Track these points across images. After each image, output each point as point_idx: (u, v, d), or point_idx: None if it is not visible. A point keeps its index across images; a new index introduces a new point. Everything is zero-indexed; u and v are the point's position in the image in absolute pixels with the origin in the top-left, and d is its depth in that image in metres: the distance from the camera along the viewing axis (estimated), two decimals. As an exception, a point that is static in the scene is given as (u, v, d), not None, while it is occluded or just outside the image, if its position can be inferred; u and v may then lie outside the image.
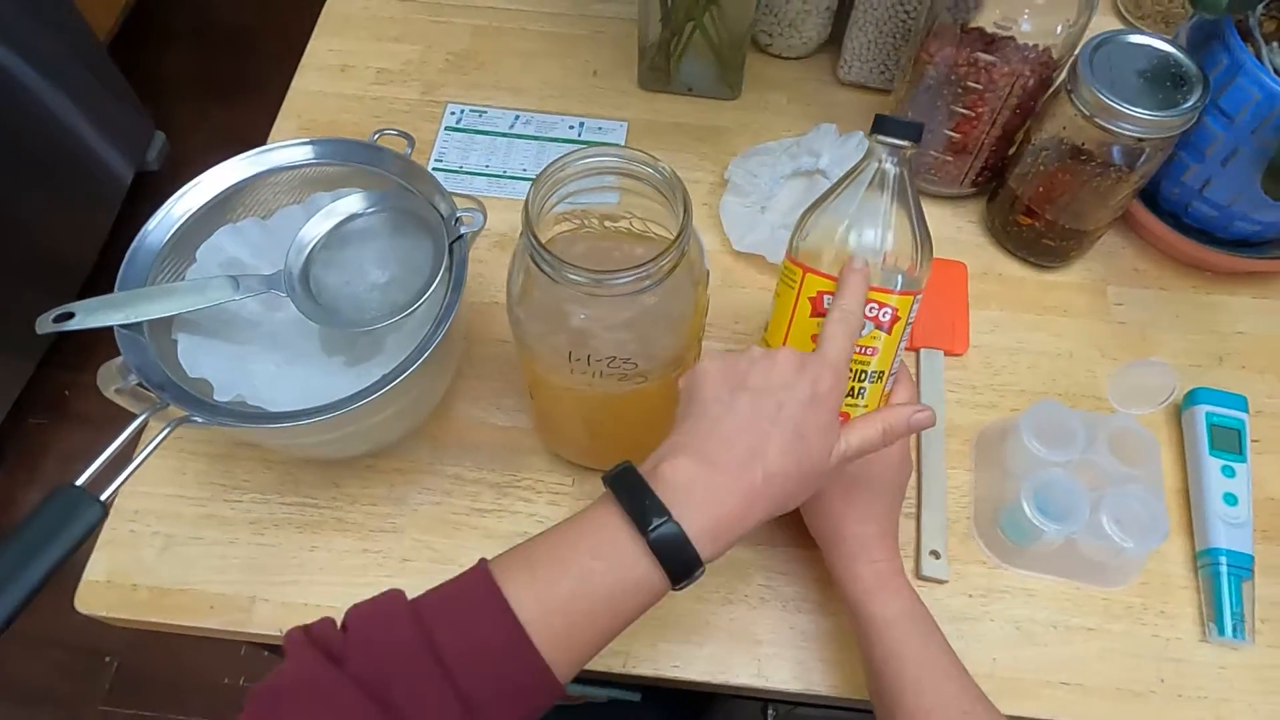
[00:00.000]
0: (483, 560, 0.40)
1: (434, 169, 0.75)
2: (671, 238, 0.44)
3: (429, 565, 0.58)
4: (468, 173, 0.75)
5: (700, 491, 0.40)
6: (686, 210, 0.44)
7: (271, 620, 0.56)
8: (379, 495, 0.60)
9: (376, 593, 0.52)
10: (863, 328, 0.48)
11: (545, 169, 0.44)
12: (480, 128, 0.78)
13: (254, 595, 0.57)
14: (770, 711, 0.85)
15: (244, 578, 0.57)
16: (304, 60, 0.81)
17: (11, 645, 1.39)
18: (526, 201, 0.44)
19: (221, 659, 1.39)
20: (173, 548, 0.58)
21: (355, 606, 0.38)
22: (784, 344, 0.51)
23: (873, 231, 0.47)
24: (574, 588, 0.38)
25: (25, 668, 1.39)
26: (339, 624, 0.38)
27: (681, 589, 0.40)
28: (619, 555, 0.38)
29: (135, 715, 1.36)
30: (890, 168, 0.47)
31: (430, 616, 0.37)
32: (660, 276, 0.44)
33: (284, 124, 0.77)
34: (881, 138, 0.47)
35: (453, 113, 0.79)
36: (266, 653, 0.79)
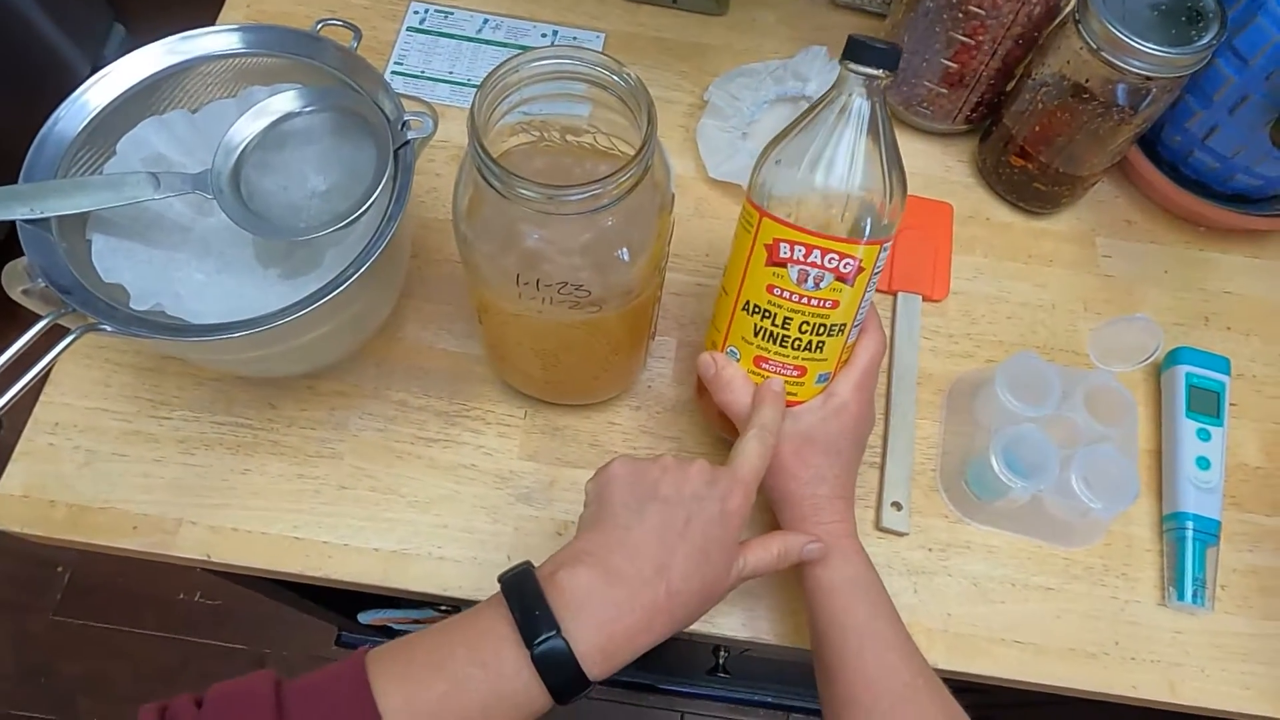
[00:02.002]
0: (363, 649, 0.38)
1: (393, 73, 0.70)
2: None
3: (368, 494, 0.55)
4: (429, 79, 0.70)
5: (597, 605, 0.38)
6: (651, 122, 0.40)
7: (199, 544, 0.53)
8: (318, 419, 0.57)
9: (304, 525, 0.50)
10: (821, 280, 0.45)
11: (495, 70, 0.40)
12: (445, 30, 0.72)
13: (180, 517, 0.54)
14: (722, 652, 0.85)
15: (170, 498, 0.54)
16: (256, -56, 0.74)
17: (-40, 554, 1.37)
18: (472, 107, 0.39)
19: (175, 573, 1.35)
20: (95, 464, 0.55)
21: (219, 685, 0.36)
22: (739, 290, 0.47)
23: (840, 172, 0.43)
24: (447, 691, 0.36)
25: (-26, 576, 1.37)
26: (198, 702, 0.35)
27: (567, 704, 0.38)
28: (499, 664, 0.36)
29: (86, 626, 1.35)
30: (861, 100, 0.43)
31: (293, 706, 0.35)
32: (619, 195, 0.40)
33: (230, 13, 0.71)
34: (854, 65, 0.42)
35: (416, 12, 0.73)
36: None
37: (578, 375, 0.53)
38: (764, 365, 0.48)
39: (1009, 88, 0.65)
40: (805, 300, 0.46)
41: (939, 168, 0.70)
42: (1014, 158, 0.65)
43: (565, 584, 0.38)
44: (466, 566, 0.54)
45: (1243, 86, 0.57)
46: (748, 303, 0.47)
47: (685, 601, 0.40)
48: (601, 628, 0.38)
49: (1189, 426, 0.58)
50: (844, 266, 0.45)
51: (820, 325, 0.47)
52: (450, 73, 0.70)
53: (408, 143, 0.48)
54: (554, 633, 0.36)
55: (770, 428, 0.46)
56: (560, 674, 0.37)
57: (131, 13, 1.72)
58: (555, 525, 0.55)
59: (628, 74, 0.41)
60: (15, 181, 0.46)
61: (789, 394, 0.49)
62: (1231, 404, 0.61)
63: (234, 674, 0.36)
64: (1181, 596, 0.54)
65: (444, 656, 0.37)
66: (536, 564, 0.41)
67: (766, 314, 0.47)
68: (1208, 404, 0.59)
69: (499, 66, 0.40)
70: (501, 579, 0.39)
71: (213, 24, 0.69)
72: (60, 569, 1.39)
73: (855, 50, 0.42)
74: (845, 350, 0.49)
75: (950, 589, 0.55)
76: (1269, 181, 0.63)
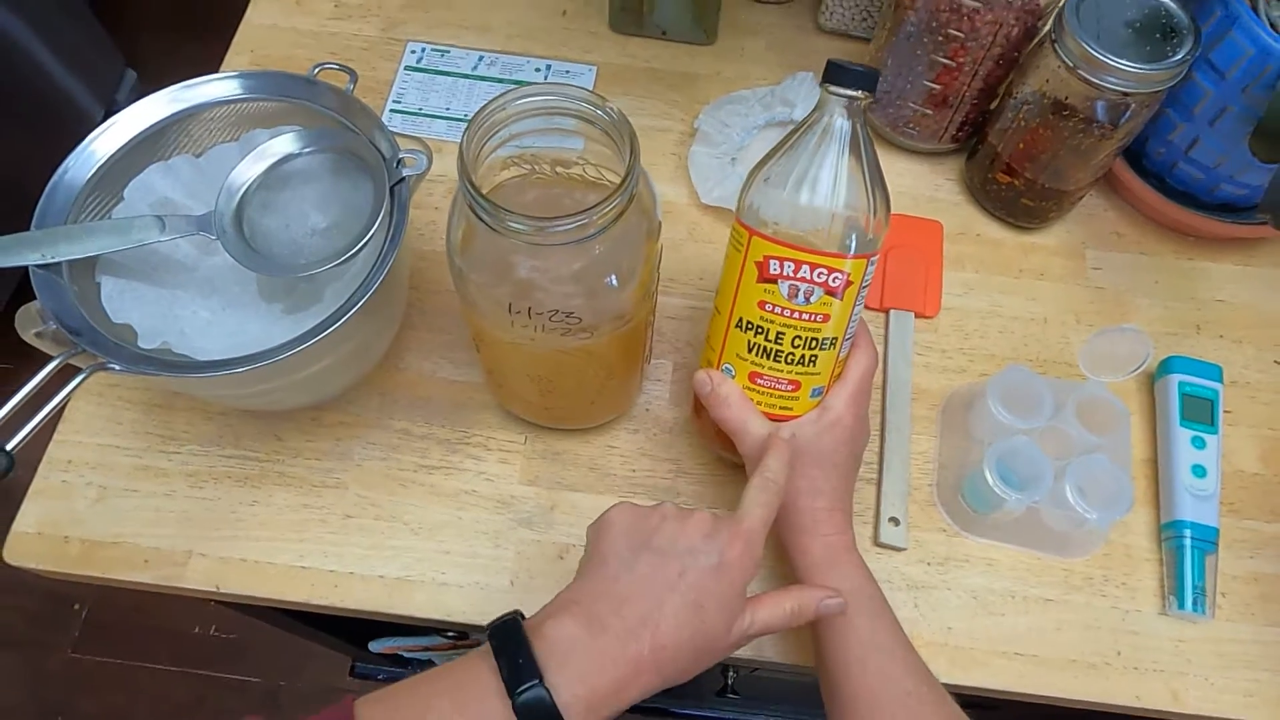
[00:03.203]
0: (349, 699, 0.38)
1: (392, 111, 0.72)
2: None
3: (372, 523, 0.56)
4: (427, 115, 0.72)
5: (580, 657, 0.37)
6: (634, 152, 0.41)
7: (209, 576, 0.54)
8: (323, 449, 0.58)
9: (310, 554, 0.51)
10: (811, 295, 0.46)
11: (482, 109, 0.41)
12: (442, 68, 0.74)
13: (190, 550, 0.55)
14: (730, 673, 0.85)
15: (180, 531, 0.55)
16: (258, -9, 0.77)
17: (-20, 592, 1.39)
18: (461, 145, 0.41)
19: (191, 608, 1.38)
20: (107, 499, 0.56)
21: None
22: (732, 308, 0.48)
23: (825, 190, 0.44)
24: None
25: (-7, 614, 1.38)
26: None
27: None
28: (482, 713, 0.36)
29: (104, 663, 1.36)
30: (842, 121, 0.44)
31: None
32: (606, 223, 0.41)
33: (234, 59, 0.73)
34: (834, 88, 0.44)
35: (413, 51, 0.75)
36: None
37: (574, 400, 0.54)
38: (758, 381, 0.49)
39: (992, 106, 0.66)
40: (796, 315, 0.47)
41: (928, 186, 0.71)
42: (1000, 175, 0.66)
43: (550, 634, 0.38)
44: (470, 592, 0.54)
45: (1221, 99, 0.58)
46: (741, 319, 0.49)
47: (673, 657, 0.39)
48: (584, 679, 0.37)
49: (1183, 435, 0.59)
50: (833, 280, 0.46)
51: (812, 339, 0.48)
52: (447, 109, 0.72)
53: (403, 180, 0.49)
54: (536, 682, 0.36)
55: (776, 478, 0.45)
56: None
57: (142, 59, 1.76)
58: (557, 549, 0.56)
59: (610, 108, 0.42)
60: (29, 226, 0.48)
61: (784, 409, 0.50)
62: (1226, 411, 0.61)
63: (249, 707, 0.37)
64: (1182, 605, 0.55)
65: (427, 705, 0.37)
66: (535, 594, 0.41)
67: (760, 330, 0.48)
68: (1202, 412, 0.59)
69: (486, 105, 0.42)
70: (489, 627, 0.39)
71: (218, 68, 0.71)
72: (77, 606, 1.40)
73: (834, 73, 0.44)
74: (838, 364, 0.50)
75: (950, 602, 0.56)
76: (1254, 190, 0.63)
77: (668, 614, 0.39)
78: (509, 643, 0.38)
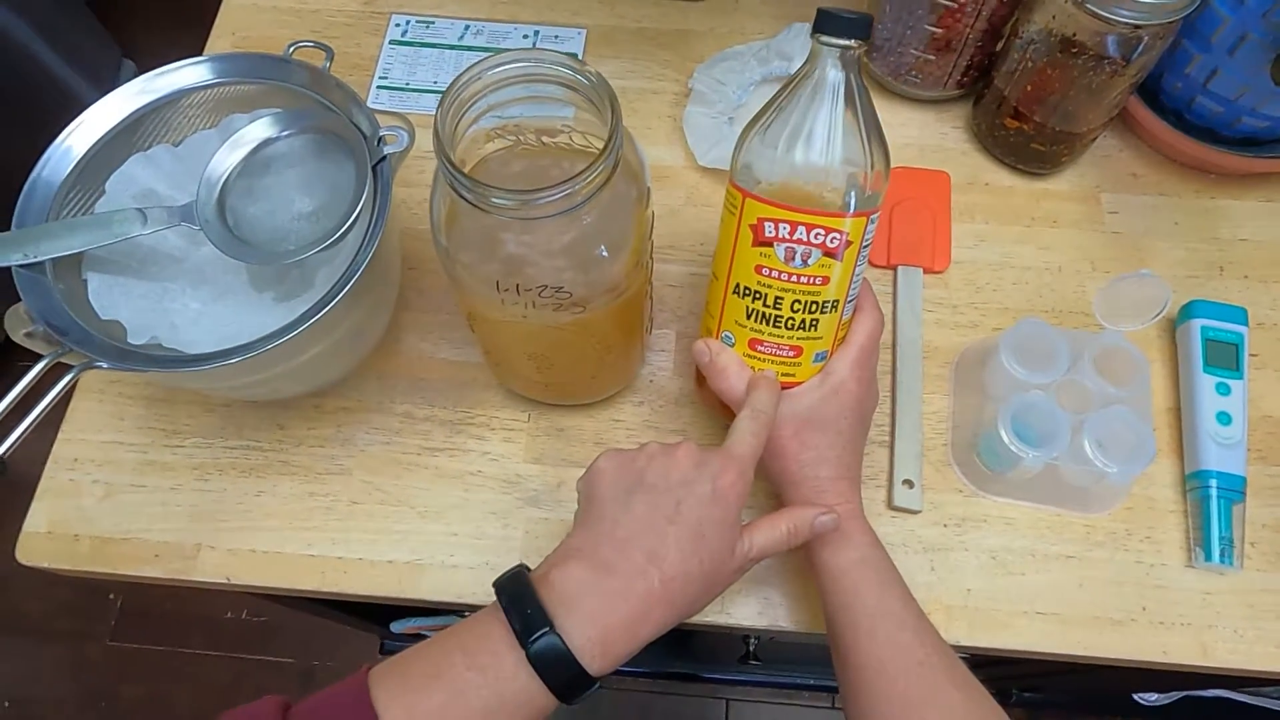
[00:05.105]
0: (365, 667, 0.38)
1: (379, 87, 0.70)
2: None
3: (378, 508, 0.56)
4: (415, 90, 0.70)
5: (590, 599, 0.38)
6: (615, 114, 0.40)
7: (219, 568, 0.54)
8: (326, 436, 0.58)
9: (318, 542, 0.50)
10: (809, 257, 0.44)
11: (454, 81, 0.40)
12: (427, 40, 0.72)
13: (199, 543, 0.55)
14: (751, 640, 0.84)
15: (188, 525, 0.55)
16: (237, -28, 0.75)
17: (18, 585, 1.42)
18: (436, 120, 0.39)
19: (222, 594, 1.39)
20: (114, 496, 0.56)
21: (227, 713, 0.37)
22: (729, 274, 0.47)
23: (820, 147, 0.42)
24: (447, 699, 0.36)
25: (32, 607, 1.41)
26: None
27: (576, 704, 0.38)
28: (497, 667, 0.36)
29: (142, 649, 1.39)
30: (835, 72, 0.42)
31: None
32: (591, 191, 0.40)
33: (216, 42, 0.72)
34: (825, 38, 0.41)
35: (397, 24, 0.73)
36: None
37: (574, 375, 0.53)
38: (759, 348, 0.48)
39: (998, 48, 0.63)
40: (794, 278, 0.45)
41: (933, 136, 0.68)
42: (1008, 120, 0.63)
43: (557, 581, 0.38)
44: (480, 573, 0.54)
45: (1240, 26, 0.55)
46: (738, 285, 0.47)
47: (683, 587, 0.39)
48: (596, 620, 0.37)
49: (1207, 381, 0.57)
50: (831, 241, 0.44)
51: (812, 303, 0.46)
52: (435, 82, 0.70)
53: (384, 158, 0.48)
54: (547, 629, 0.36)
55: (764, 408, 0.45)
56: (559, 671, 0.36)
57: (139, 48, 1.75)
58: (565, 526, 0.55)
59: (588, 72, 0.41)
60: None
61: (786, 375, 0.48)
62: (1252, 354, 0.59)
63: (285, 687, 0.37)
64: (1209, 557, 0.53)
65: (442, 665, 0.37)
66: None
67: (757, 295, 0.46)
68: (1226, 357, 0.57)
69: (458, 78, 0.40)
70: (495, 583, 0.40)
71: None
72: (112, 596, 1.43)
73: (825, 22, 0.42)
74: (841, 328, 0.49)
75: (968, 564, 0.54)
76: (1277, 122, 0.60)
77: (671, 546, 0.39)
78: (516, 595, 0.38)
